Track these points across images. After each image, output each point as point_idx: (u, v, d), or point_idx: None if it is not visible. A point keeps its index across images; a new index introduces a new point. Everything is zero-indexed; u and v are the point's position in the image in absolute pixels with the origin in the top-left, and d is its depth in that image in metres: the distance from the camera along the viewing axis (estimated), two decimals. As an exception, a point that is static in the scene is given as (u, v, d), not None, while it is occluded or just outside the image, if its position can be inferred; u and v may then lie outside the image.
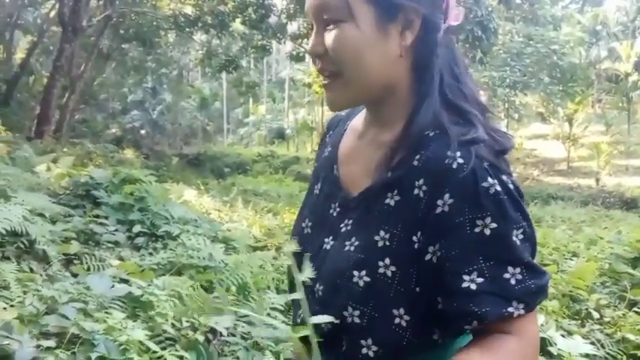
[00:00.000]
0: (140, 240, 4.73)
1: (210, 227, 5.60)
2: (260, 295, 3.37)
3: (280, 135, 37.74)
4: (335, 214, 0.95)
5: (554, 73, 23.34)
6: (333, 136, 1.06)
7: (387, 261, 0.83)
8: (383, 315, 0.84)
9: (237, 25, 20.54)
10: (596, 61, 31.14)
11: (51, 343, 2.27)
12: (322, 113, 33.13)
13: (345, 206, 0.93)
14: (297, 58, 21.44)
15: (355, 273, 0.85)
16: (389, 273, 0.83)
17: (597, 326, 3.49)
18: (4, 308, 2.44)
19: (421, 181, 0.82)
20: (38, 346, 2.22)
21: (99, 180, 5.48)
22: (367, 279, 0.84)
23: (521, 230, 0.79)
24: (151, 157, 20.91)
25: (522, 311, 0.77)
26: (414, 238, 0.82)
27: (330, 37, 0.85)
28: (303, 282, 0.78)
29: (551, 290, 3.78)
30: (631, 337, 3.30)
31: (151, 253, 4.38)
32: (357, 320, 0.85)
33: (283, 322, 3.02)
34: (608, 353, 3.08)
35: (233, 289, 3.61)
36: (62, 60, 14.98)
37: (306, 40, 20.39)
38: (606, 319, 3.60)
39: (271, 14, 18.93)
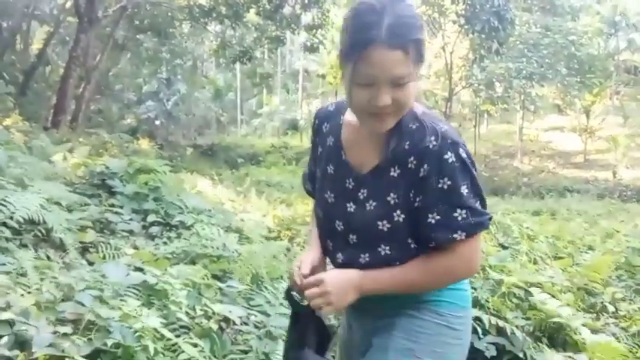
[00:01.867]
0: (155, 229, 4.76)
1: (224, 217, 5.63)
2: (273, 285, 3.38)
3: (294, 126, 37.68)
4: (351, 187, 1.38)
5: (571, 64, 23.00)
6: (331, 128, 1.45)
7: (398, 212, 1.31)
8: (403, 245, 1.33)
9: (251, 16, 20.49)
10: (614, 52, 30.64)
11: (67, 329, 2.29)
12: (336, 104, 32.93)
13: (359, 181, 1.37)
14: (311, 49, 21.36)
15: (379, 223, 1.33)
16: (401, 220, 1.31)
17: (612, 320, 3.46)
18: (22, 295, 2.48)
19: (412, 158, 1.28)
20: (55, 332, 2.25)
21: (114, 170, 5.52)
22: (388, 225, 1.32)
23: (466, 185, 1.26)
24: (166, 147, 21.04)
25: (463, 237, 1.27)
26: (411, 195, 1.30)
27: (400, 94, 1.21)
28: (338, 231, 1.41)
29: (566, 283, 3.75)
30: (647, 331, 3.27)
31: (165, 243, 4.41)
32: (387, 252, 1.34)
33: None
34: (624, 347, 3.04)
35: (247, 278, 3.63)
36: (78, 50, 15.08)
37: (320, 30, 20.30)
38: (621, 313, 3.57)
39: (285, 5, 18.85)
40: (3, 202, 3.66)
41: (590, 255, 5.39)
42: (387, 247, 1.33)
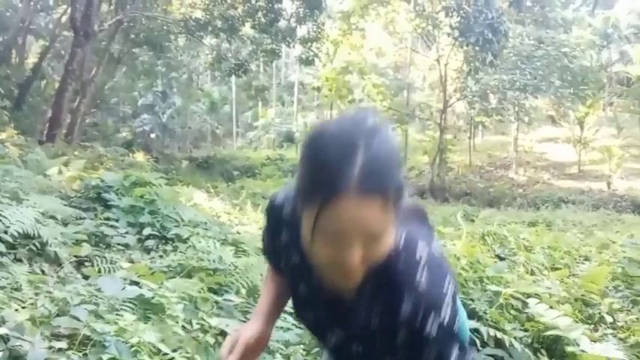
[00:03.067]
0: (150, 242, 4.74)
1: (220, 230, 5.61)
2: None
3: (289, 138, 37.74)
4: (332, 308, 1.09)
5: (564, 76, 23.19)
6: (292, 242, 1.10)
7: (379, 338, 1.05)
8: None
9: (246, 29, 20.63)
10: (607, 64, 30.89)
11: (62, 344, 2.28)
12: (331, 117, 33.07)
13: (340, 304, 1.07)
14: (307, 62, 21.48)
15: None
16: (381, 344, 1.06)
17: (610, 330, 3.45)
18: (17, 310, 2.46)
19: (384, 318, 1.02)
20: (50, 348, 2.23)
21: (110, 183, 5.51)
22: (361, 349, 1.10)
23: (455, 355, 1.01)
24: (161, 160, 21.01)
25: None
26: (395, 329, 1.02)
27: (373, 251, 0.93)
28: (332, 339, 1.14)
29: (563, 294, 3.74)
30: (645, 341, 3.26)
31: (161, 256, 4.39)
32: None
33: (293, 324, 3.02)
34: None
35: (243, 291, 3.61)
36: (74, 64, 15.10)
37: (315, 44, 20.43)
38: (619, 324, 3.57)
39: (281, 18, 19.00)
40: (-2, 216, 3.64)
41: (586, 266, 5.39)
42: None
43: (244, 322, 3.07)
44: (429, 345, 0.99)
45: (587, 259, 5.94)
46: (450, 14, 19.42)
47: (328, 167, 0.89)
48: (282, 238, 1.16)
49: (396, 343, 1.02)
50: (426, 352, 0.99)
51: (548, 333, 2.96)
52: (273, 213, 1.19)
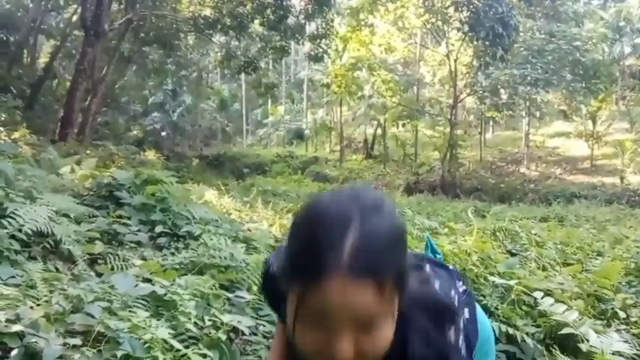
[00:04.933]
0: (162, 240, 4.78)
1: (231, 227, 5.64)
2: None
3: (299, 135, 37.81)
4: None
5: (576, 70, 22.96)
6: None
7: None
8: None
9: (255, 27, 20.65)
10: (619, 58, 30.58)
11: (77, 341, 2.30)
12: (340, 113, 33.07)
13: None
14: (316, 59, 21.46)
15: None
16: None
17: (624, 326, 3.42)
18: (32, 307, 2.49)
19: None
20: (65, 344, 2.25)
21: (121, 181, 5.55)
22: None
23: None
24: (172, 158, 21.14)
25: None
26: None
27: (367, 343, 0.80)
28: None
29: (576, 290, 3.72)
30: (659, 337, 3.23)
31: (173, 253, 4.42)
32: None
33: None
34: (635, 354, 3.02)
35: (254, 288, 3.62)
36: (85, 64, 15.22)
37: (324, 40, 20.41)
38: (633, 319, 3.53)
39: (289, 15, 18.99)
40: (12, 215, 3.69)
41: (599, 261, 5.34)
42: None
43: (255, 318, 3.09)
44: None
45: (600, 254, 5.89)
46: (460, 9, 19.30)
47: (316, 243, 0.78)
48: (281, 310, 0.98)
49: None
50: None
51: (559, 328, 2.95)
52: (268, 283, 1.07)
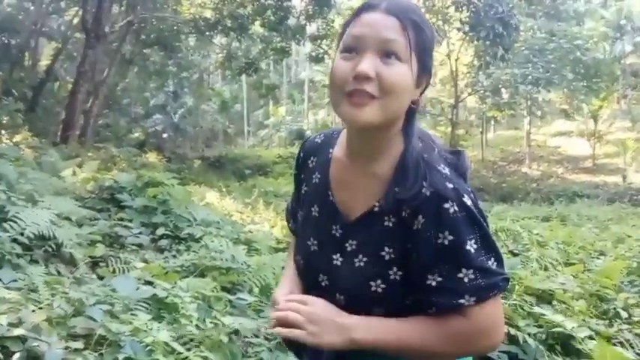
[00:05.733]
0: (164, 242, 4.78)
1: (233, 229, 5.65)
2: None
3: (300, 136, 37.73)
4: (338, 235, 1.15)
5: (577, 69, 22.92)
6: (319, 164, 1.24)
7: (395, 269, 1.08)
8: (400, 307, 1.08)
9: (256, 28, 20.64)
10: (620, 56, 30.50)
11: (79, 344, 2.30)
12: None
13: (347, 229, 1.14)
14: (317, 60, 21.46)
15: (372, 283, 1.09)
16: (397, 277, 1.08)
17: (626, 326, 3.41)
18: (34, 311, 2.49)
19: (405, 206, 1.05)
20: (66, 348, 2.26)
21: (123, 184, 5.56)
22: (383, 286, 1.08)
23: (473, 240, 1.02)
24: (174, 160, 21.13)
25: (473, 302, 1.02)
26: (409, 247, 1.06)
27: (389, 69, 1.02)
28: (322, 287, 1.15)
29: (577, 289, 3.71)
30: (661, 337, 3.23)
31: (174, 255, 4.43)
32: (381, 313, 1.08)
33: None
34: (637, 354, 3.01)
35: (256, 290, 3.63)
36: (86, 66, 15.23)
37: (325, 41, 20.40)
38: (635, 319, 3.52)
39: (290, 16, 18.98)
40: (13, 219, 3.69)
41: (601, 260, 5.34)
42: (382, 310, 1.09)
43: (257, 320, 3.09)
44: (444, 223, 1.02)
45: (602, 253, 5.88)
46: (460, 9, 19.26)
47: (363, 4, 1.07)
48: (309, 165, 1.26)
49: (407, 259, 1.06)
50: (439, 236, 1.02)
51: (557, 330, 2.95)
52: (306, 143, 1.32)
